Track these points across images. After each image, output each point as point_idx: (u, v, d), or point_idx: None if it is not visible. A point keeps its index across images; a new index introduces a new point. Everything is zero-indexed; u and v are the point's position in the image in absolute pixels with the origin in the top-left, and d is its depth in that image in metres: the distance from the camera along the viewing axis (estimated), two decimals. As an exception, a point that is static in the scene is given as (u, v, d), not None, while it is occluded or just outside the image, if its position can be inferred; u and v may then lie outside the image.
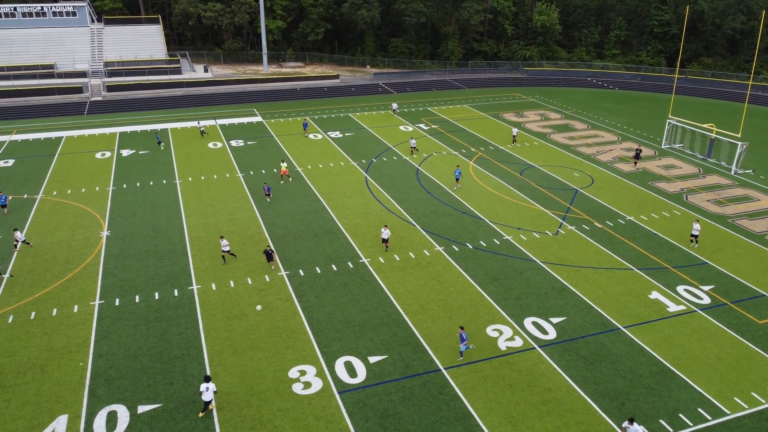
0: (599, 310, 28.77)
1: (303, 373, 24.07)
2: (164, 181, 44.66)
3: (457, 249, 34.51)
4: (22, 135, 56.62)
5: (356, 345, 25.81)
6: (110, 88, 74.43)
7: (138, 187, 43.55)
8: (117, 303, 28.73)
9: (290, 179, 44.97)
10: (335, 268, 32.15)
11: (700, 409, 22.44)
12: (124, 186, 43.68)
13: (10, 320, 27.28)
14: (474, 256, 33.68)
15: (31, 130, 58.56)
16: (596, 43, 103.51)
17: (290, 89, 78.91)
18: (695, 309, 29.07)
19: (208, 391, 21.45)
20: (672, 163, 50.90)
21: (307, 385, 23.40)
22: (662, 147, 55.27)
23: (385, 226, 33.88)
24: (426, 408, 22.28)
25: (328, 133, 58.08)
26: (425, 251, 34.18)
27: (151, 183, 44.32)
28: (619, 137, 58.48)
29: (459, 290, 30.23)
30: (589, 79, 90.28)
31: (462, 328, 24.69)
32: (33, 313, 27.82)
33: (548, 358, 25.10)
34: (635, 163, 49.38)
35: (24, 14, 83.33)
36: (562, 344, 26.10)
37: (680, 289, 30.82)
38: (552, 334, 26.76)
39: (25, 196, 41.70)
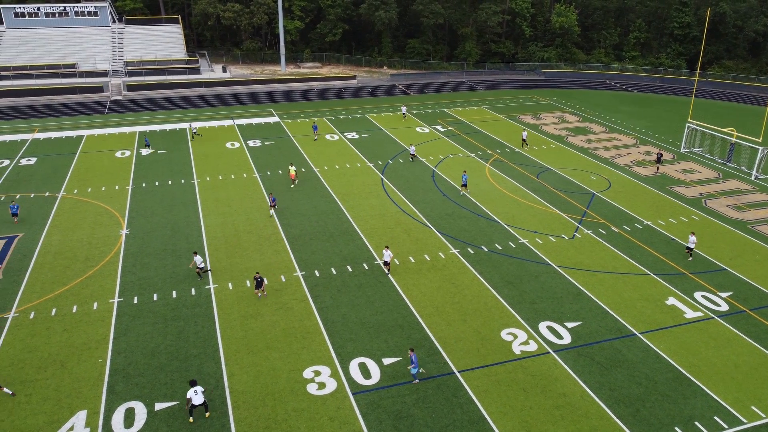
0: (615, 315, 28.61)
1: (317, 373, 24.26)
2: (182, 181, 45.17)
3: (472, 252, 34.51)
4: (44, 133, 57.58)
5: (370, 346, 25.94)
6: (130, 88, 75.39)
7: (157, 186, 44.10)
8: (135, 301, 29.15)
9: (294, 183, 44.35)
10: (350, 270, 32.32)
11: (716, 418, 22.25)
12: (143, 185, 44.26)
13: (31, 316, 27.82)
14: (489, 259, 33.65)
15: (53, 128, 59.53)
16: (615, 45, 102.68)
17: (307, 90, 79.32)
18: (713, 316, 28.79)
19: (197, 395, 21.36)
20: (691, 167, 50.38)
21: (322, 385, 23.57)
22: (681, 151, 54.71)
23: (387, 247, 32.12)
24: (439, 411, 22.34)
25: (345, 134, 58.30)
26: (440, 253, 34.22)
27: (170, 182, 44.85)
28: (637, 140, 58.00)
29: (474, 293, 30.24)
30: (607, 81, 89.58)
31: (412, 350, 23.54)
32: (54, 310, 28.34)
33: (563, 363, 25.03)
34: (657, 167, 48.90)
35: (47, 14, 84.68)
36: (577, 349, 26.00)
37: (698, 295, 30.54)
38: (567, 339, 26.66)
39: (47, 194, 42.43)
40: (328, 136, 57.57)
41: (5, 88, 71.96)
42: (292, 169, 44.44)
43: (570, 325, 27.74)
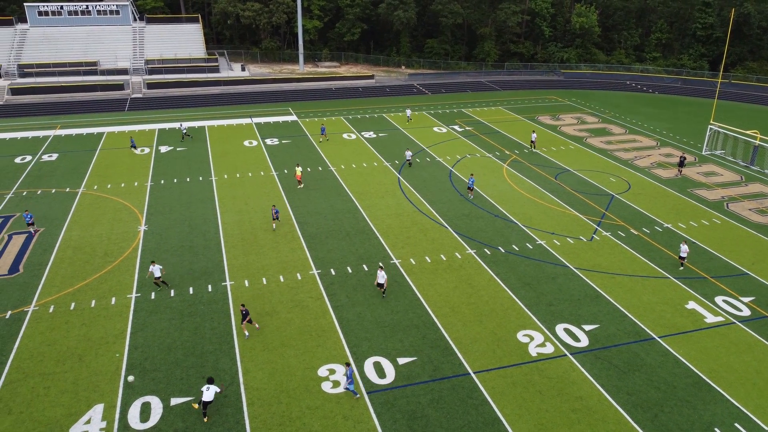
0: (634, 318, 28.21)
1: (332, 371, 24.23)
2: (200, 178, 45.48)
3: (488, 252, 34.27)
4: (66, 130, 58.34)
5: (385, 346, 25.86)
6: (150, 86, 76.12)
7: (175, 183, 44.44)
8: (153, 296, 29.37)
9: (301, 184, 43.89)
10: (366, 269, 32.26)
11: (736, 424, 21.83)
12: (162, 182, 44.63)
13: (51, 310, 28.16)
14: (506, 260, 33.40)
15: (74, 125, 60.30)
16: (636, 46, 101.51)
17: (325, 89, 79.46)
18: (734, 321, 28.27)
19: (209, 391, 21.41)
20: (713, 170, 49.59)
21: (336, 383, 23.54)
22: (703, 153, 53.89)
23: (381, 267, 29.64)
24: (454, 411, 22.20)
25: (362, 134, 58.29)
26: (456, 254, 34.03)
27: (188, 179, 45.18)
28: (657, 142, 57.24)
29: (490, 294, 30.02)
30: (627, 82, 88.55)
31: (348, 364, 22.73)
32: (72, 304, 28.66)
33: (580, 366, 24.74)
34: (680, 171, 48.15)
35: (70, 12, 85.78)
36: (594, 352, 25.69)
37: (719, 299, 30.01)
38: (584, 342, 26.36)
39: (68, 189, 42.96)
40: (345, 135, 57.60)
41: (29, 85, 73.07)
42: (299, 170, 44.07)
43: (587, 327, 27.42)
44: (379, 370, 24.32)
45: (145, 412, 22.02)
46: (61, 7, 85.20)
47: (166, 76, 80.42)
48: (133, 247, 34.34)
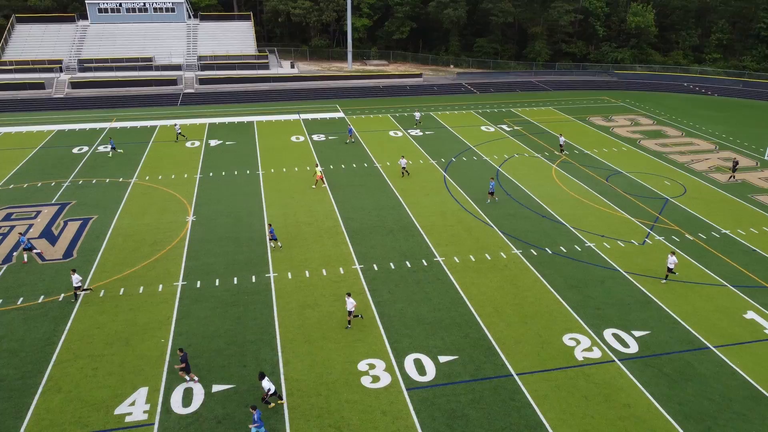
0: (687, 326, 27.00)
1: (372, 366, 24.04)
2: (248, 172, 46.08)
3: (535, 253, 33.46)
4: (121, 123, 60.15)
5: (427, 343, 25.51)
6: (202, 81, 77.79)
7: (223, 176, 45.17)
8: (198, 285, 29.84)
9: (324, 185, 43.12)
10: (409, 265, 31.97)
11: (798, 442, 20.57)
12: (210, 174, 45.43)
13: (101, 294, 28.94)
14: (552, 262, 32.53)
15: (129, 118, 62.12)
16: (695, 47, 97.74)
17: (373, 87, 79.52)
18: (797, 333, 26.72)
19: (268, 382, 21.55)
20: (776, 175, 47.20)
21: (376, 378, 23.34)
22: (765, 158, 51.36)
23: (348, 294, 26.62)
24: (495, 413, 21.67)
25: (409, 132, 57.99)
26: (501, 253, 33.36)
27: (236, 173, 45.85)
28: (716, 146, 54.89)
29: (535, 295, 29.27)
30: (685, 84, 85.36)
31: (254, 407, 20.07)
32: (122, 290, 29.38)
33: (628, 373, 23.80)
34: (733, 175, 46.03)
35: (128, 10, 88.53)
36: (644, 359, 24.68)
37: (780, 310, 28.44)
38: (633, 348, 25.36)
39: (121, 179, 44.21)
40: (391, 133, 57.43)
41: (88, 80, 75.74)
42: (318, 170, 43.32)
43: (637, 333, 26.38)
44: (420, 368, 23.99)
45: (188, 397, 22.32)
46: (120, 5, 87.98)
47: (218, 72, 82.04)
48: (180, 237, 35.01)
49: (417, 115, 61.19)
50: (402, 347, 25.24)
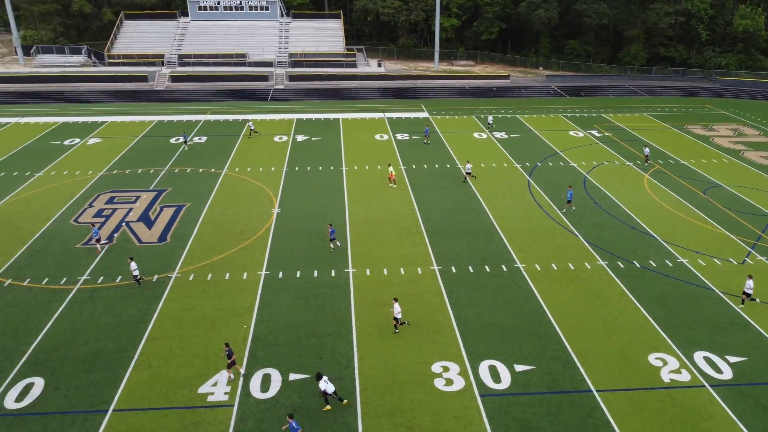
0: (789, 355, 25.01)
1: (446, 369, 23.89)
2: (332, 168, 47.00)
3: (622, 266, 32.07)
4: (215, 116, 62.98)
5: (503, 350, 25.05)
6: (292, 78, 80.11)
7: (308, 171, 46.31)
8: (280, 275, 30.76)
9: (394, 185, 42.98)
10: (488, 269, 31.50)
11: None
12: (296, 169, 46.70)
13: (191, 278, 30.44)
14: (641, 276, 31.05)
15: (222, 111, 64.93)
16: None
17: (459, 87, 78.99)
18: None
19: (328, 384, 21.49)
20: None
21: (449, 382, 23.18)
22: None
23: (395, 299, 26.12)
24: (572, 428, 20.95)
25: (494, 134, 57.15)
26: (586, 264, 32.21)
27: (320, 168, 46.88)
28: (831, 161, 50.50)
29: (620, 309, 28.05)
30: (797, 93, 79.04)
31: (291, 416, 19.74)
32: (210, 275, 30.77)
33: (720, 400, 22.34)
34: None
35: (226, 8, 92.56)
36: (738, 387, 23.08)
37: None
38: (727, 374, 23.78)
39: (213, 170, 46.28)
40: (475, 134, 56.81)
41: (186, 73, 79.84)
42: (391, 169, 43.57)
43: (732, 359, 24.71)
44: (495, 374, 23.60)
45: (266, 383, 23.05)
46: (218, 3, 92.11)
47: (307, 69, 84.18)
48: (266, 228, 36.21)
49: (490, 118, 59.68)
50: (477, 352, 24.92)
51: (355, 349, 25.12)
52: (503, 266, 31.87)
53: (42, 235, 35.02)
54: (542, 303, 28.49)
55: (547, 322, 27.00)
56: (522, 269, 31.59)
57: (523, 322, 26.96)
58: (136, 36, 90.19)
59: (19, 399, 22.17)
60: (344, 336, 25.95)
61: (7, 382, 23.05)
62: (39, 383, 22.98)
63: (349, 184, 43.43)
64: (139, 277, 29.56)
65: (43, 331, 26.10)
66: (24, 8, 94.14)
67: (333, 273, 31.07)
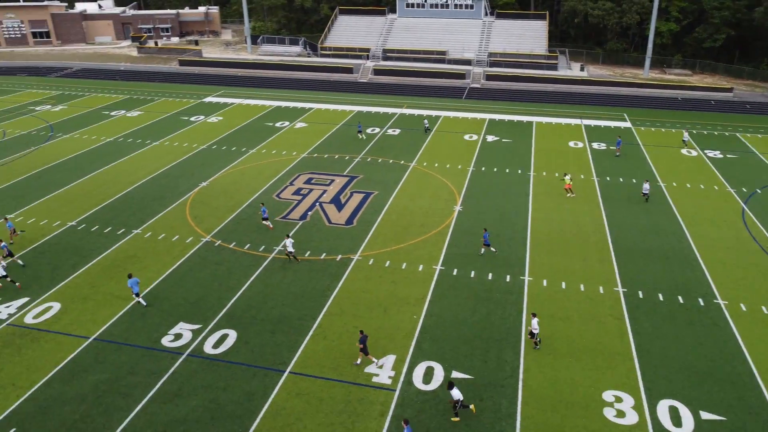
0: None
1: (619, 399, 22.17)
2: (519, 171, 46.00)
3: None
4: (409, 110, 65.11)
5: (689, 392, 22.53)
6: (489, 77, 79.75)
7: (494, 172, 45.85)
8: (455, 273, 30.94)
9: (573, 195, 40.73)
10: (681, 300, 28.51)
11: None
12: (483, 169, 46.50)
13: (370, 263, 31.95)
14: None
15: (417, 106, 66.87)
16: None
17: (670, 98, 72.29)
18: None
19: (457, 391, 21.06)
20: None
21: (621, 413, 21.48)
22: None
23: (534, 314, 25.35)
24: (766, 497, 18.20)
25: (705, 152, 51.41)
26: (806, 312, 27.65)
27: (507, 171, 46.13)
28: None
29: None
30: None
31: (407, 422, 18.84)
32: (388, 262, 32.00)
33: None
34: None
35: (431, 5, 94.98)
36: None
37: None
38: None
39: (402, 162, 47.95)
40: (684, 151, 51.59)
41: (388, 68, 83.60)
42: (567, 178, 41.05)
43: None
44: (675, 417, 21.33)
45: (428, 375, 23.41)
46: (425, 0, 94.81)
47: (505, 69, 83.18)
48: (446, 224, 36.64)
49: (686, 135, 53.34)
50: (657, 389, 22.73)
51: (521, 359, 24.41)
52: (700, 299, 28.61)
53: (249, 206, 39.26)
54: (744, 348, 25.06)
55: (747, 372, 23.70)
56: (723, 306, 28.07)
57: (718, 366, 23.98)
58: (347, 30, 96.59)
59: (215, 346, 25.19)
60: (512, 344, 25.34)
61: (208, 329, 26.32)
62: (232, 336, 25.87)
63: (535, 190, 42.13)
64: (294, 253, 31.51)
65: (241, 291, 29.30)
66: (256, 2, 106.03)
67: (508, 278, 30.46)
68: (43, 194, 41.18)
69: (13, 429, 20.85)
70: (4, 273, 29.05)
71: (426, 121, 57.26)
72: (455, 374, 23.43)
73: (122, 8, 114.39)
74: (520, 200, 40.41)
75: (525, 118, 61.76)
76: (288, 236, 31.85)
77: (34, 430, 20.85)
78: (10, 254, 31.16)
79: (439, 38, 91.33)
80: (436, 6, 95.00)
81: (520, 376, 23.43)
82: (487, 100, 70.61)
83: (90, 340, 25.68)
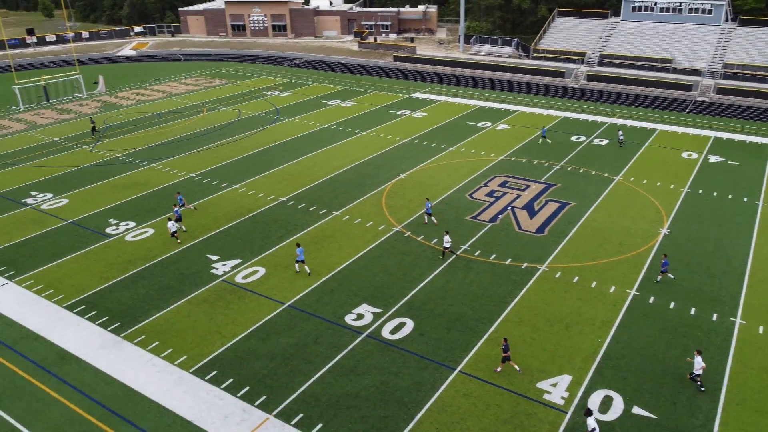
0: None
1: (844, 484, 18.52)
2: (745, 199, 40.44)
3: None
4: (622, 120, 60.73)
5: None
6: (720, 91, 71.12)
7: (714, 196, 40.90)
8: (651, 300, 28.33)
9: None
10: None
11: None
12: (700, 191, 41.74)
13: (557, 275, 30.63)
14: None
15: (631, 117, 62.11)
16: None
17: None
18: None
19: (591, 419, 19.52)
20: None
21: None
22: None
23: (698, 352, 23.06)
24: None
25: None
26: None
27: (730, 196, 40.85)
28: None
29: None
30: None
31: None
32: (576, 278, 30.39)
33: None
34: None
35: (662, 9, 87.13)
36: None
37: None
38: None
39: (605, 174, 44.99)
40: None
41: (603, 74, 78.84)
42: None
43: None
44: None
45: (606, 404, 21.83)
46: (655, 3, 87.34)
47: (742, 83, 73.46)
48: (648, 247, 33.66)
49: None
50: None
51: (719, 409, 21.58)
52: None
53: (441, 202, 40.01)
54: None
55: None
56: None
57: None
58: (564, 33, 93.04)
59: (393, 332, 26.22)
60: (710, 391, 22.50)
61: (388, 314, 27.49)
62: (409, 325, 26.70)
63: (764, 223, 36.69)
64: (450, 248, 31.99)
65: (423, 283, 30.07)
66: (474, 2, 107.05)
67: (714, 317, 27.06)
68: (263, 170, 46.36)
69: (215, 371, 23.94)
70: (174, 229, 34.13)
71: (620, 132, 52.99)
72: (636, 410, 21.53)
73: (349, 5, 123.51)
74: (741, 231, 35.55)
75: (760, 140, 53.98)
76: (447, 232, 32.55)
77: (231, 375, 23.71)
78: (179, 219, 35.83)
79: (666, 45, 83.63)
80: (667, 10, 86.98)
81: (715, 428, 20.73)
82: (715, 116, 63.04)
83: (285, 305, 28.39)
